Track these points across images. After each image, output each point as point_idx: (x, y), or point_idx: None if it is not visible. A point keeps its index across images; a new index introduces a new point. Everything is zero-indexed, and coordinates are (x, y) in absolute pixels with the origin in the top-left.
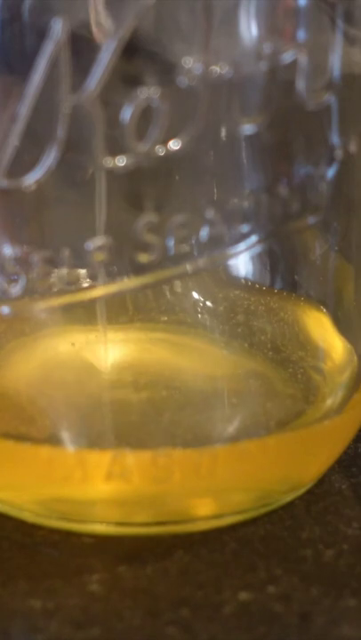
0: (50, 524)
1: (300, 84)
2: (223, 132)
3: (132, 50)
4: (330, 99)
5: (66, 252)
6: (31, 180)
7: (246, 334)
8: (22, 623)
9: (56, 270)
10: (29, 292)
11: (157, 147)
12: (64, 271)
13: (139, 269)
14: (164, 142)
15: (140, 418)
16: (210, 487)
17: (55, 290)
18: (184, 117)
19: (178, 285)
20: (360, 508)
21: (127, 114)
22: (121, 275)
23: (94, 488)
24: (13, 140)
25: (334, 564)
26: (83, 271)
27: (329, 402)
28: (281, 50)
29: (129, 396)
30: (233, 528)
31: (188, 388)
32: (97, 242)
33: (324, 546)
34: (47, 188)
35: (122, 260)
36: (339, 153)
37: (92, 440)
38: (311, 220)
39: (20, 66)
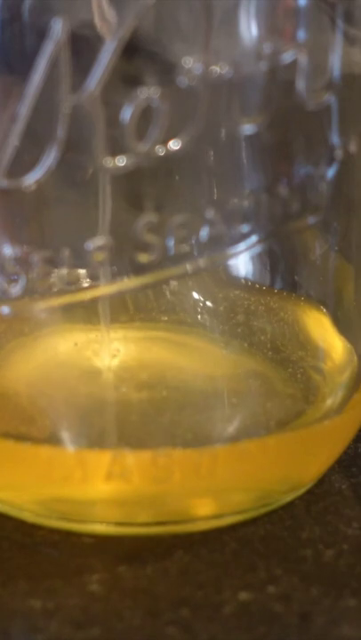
0: (50, 524)
1: (300, 84)
2: (223, 132)
3: (132, 50)
4: (330, 99)
5: (66, 252)
6: (31, 180)
7: (246, 334)
8: (22, 623)
9: (56, 270)
10: (29, 292)
11: (157, 147)
12: (64, 271)
13: (139, 269)
14: (164, 142)
15: (140, 418)
16: (210, 487)
17: (55, 290)
18: (184, 117)
19: (178, 285)
20: (360, 508)
21: (127, 114)
22: (121, 275)
23: (94, 488)
24: (13, 140)
25: (334, 563)
26: (83, 271)
27: (329, 402)
28: (281, 50)
29: (129, 395)
30: (233, 528)
31: (188, 387)
32: (97, 242)
33: (324, 546)
34: (47, 188)
35: (122, 260)
36: (339, 153)
37: (92, 440)
38: (311, 219)
39: (20, 66)
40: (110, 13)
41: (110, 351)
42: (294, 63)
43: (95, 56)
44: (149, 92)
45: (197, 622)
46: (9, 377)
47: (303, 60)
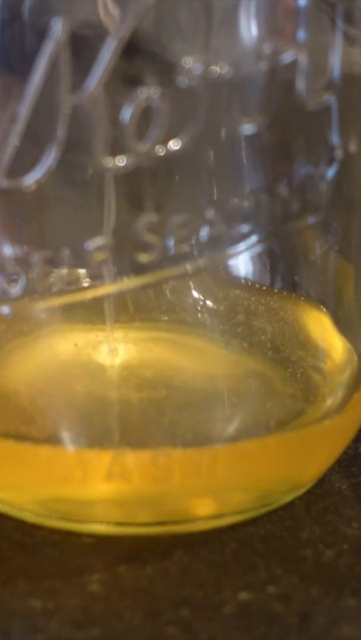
0: (50, 524)
1: (300, 84)
2: (223, 132)
3: (132, 50)
4: (330, 99)
5: (66, 252)
6: (31, 180)
7: (246, 334)
8: (22, 623)
9: (56, 270)
10: (29, 292)
11: (157, 147)
12: (64, 271)
13: (139, 269)
14: (164, 142)
15: (140, 417)
16: (210, 487)
17: (55, 290)
18: (184, 117)
19: (178, 285)
20: (360, 508)
21: (127, 114)
22: (121, 275)
23: (94, 488)
24: (13, 140)
25: (334, 563)
26: (83, 271)
27: (329, 402)
28: (281, 50)
29: (129, 395)
30: (233, 528)
31: (189, 387)
32: (97, 242)
33: (324, 546)
34: (47, 188)
35: (122, 259)
36: (339, 153)
37: (92, 440)
38: (311, 220)
39: (20, 66)
40: (114, 7)
41: (110, 351)
42: (294, 63)
43: (95, 56)
44: (149, 92)
45: (197, 622)
46: (9, 377)
47: (303, 59)
